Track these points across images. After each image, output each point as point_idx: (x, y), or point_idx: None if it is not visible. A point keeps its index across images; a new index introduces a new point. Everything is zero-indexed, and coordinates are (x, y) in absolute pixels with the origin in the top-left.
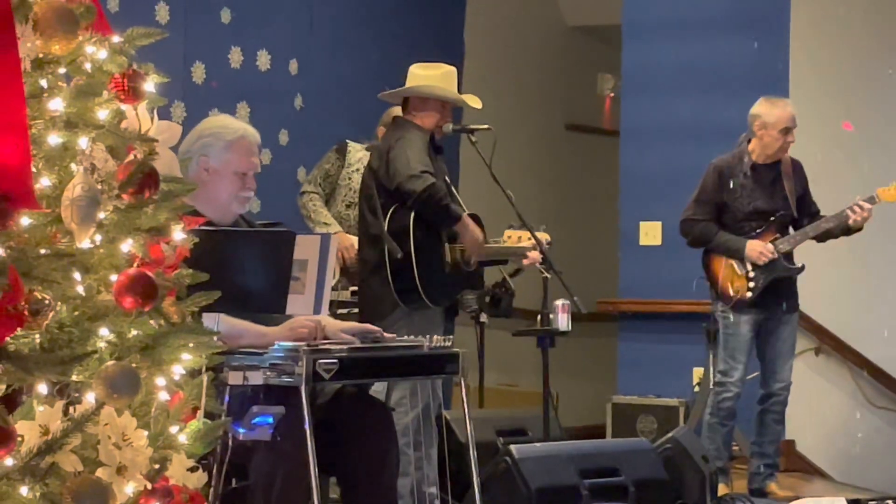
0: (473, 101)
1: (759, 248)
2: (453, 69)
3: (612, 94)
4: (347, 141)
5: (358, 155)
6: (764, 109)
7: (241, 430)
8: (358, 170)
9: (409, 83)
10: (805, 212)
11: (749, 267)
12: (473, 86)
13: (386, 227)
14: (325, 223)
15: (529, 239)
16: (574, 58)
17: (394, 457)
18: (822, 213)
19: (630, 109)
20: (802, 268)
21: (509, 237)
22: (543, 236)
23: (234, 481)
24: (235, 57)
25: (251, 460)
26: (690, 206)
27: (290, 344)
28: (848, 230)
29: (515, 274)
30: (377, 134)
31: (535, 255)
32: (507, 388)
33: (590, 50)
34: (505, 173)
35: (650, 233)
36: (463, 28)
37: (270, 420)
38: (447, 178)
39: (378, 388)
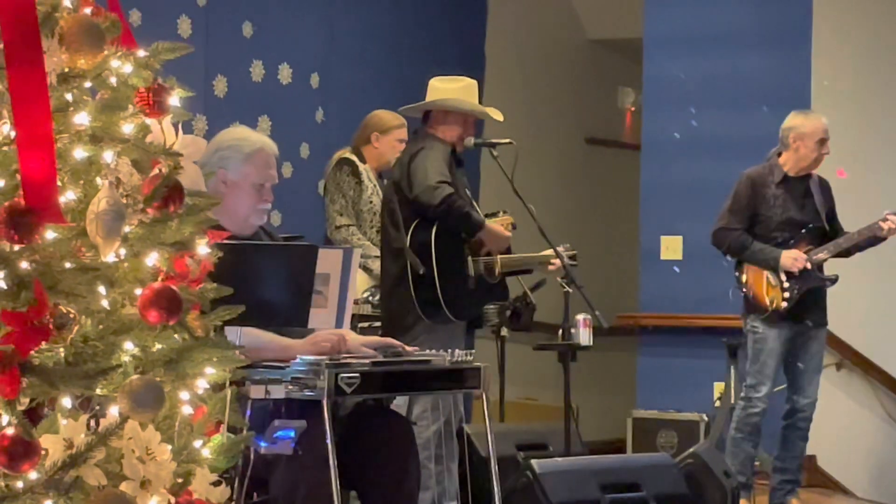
0: (495, 114)
1: (793, 255)
2: (474, 82)
3: (632, 108)
4: (352, 159)
5: (366, 174)
6: (799, 121)
7: (262, 444)
8: (374, 191)
9: (430, 96)
10: (832, 228)
11: (784, 277)
12: (494, 99)
13: (408, 242)
14: (377, 256)
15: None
16: (595, 71)
17: (415, 471)
18: (845, 230)
19: (651, 123)
20: (836, 278)
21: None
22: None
23: (255, 495)
24: (257, 70)
25: (272, 474)
26: (724, 215)
27: (312, 358)
28: (874, 242)
29: (536, 288)
30: (369, 138)
31: (558, 262)
32: (526, 402)
33: (610, 63)
34: (525, 187)
35: (671, 247)
36: (484, 41)
37: (292, 434)
38: (468, 191)
39: (399, 402)
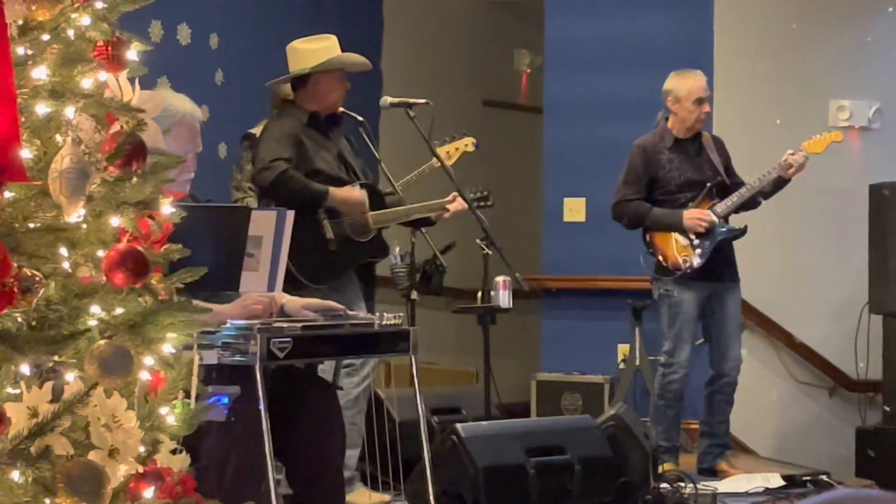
0: (357, 61)
1: (695, 216)
2: (334, 38)
3: (528, 70)
4: (251, 132)
5: None
6: (675, 83)
7: None
8: None
9: (292, 61)
10: (733, 183)
11: (693, 235)
12: (391, 59)
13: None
14: None
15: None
16: (492, 33)
17: (338, 436)
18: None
19: (553, 85)
20: (745, 229)
21: (448, 153)
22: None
23: None
24: (156, 31)
25: (203, 442)
26: (619, 188)
27: (243, 322)
28: (780, 184)
29: (446, 250)
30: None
31: (456, 205)
32: (427, 367)
33: (507, 25)
34: (424, 149)
35: (574, 209)
36: (382, 1)
37: (225, 400)
38: (352, 144)
39: (325, 367)
